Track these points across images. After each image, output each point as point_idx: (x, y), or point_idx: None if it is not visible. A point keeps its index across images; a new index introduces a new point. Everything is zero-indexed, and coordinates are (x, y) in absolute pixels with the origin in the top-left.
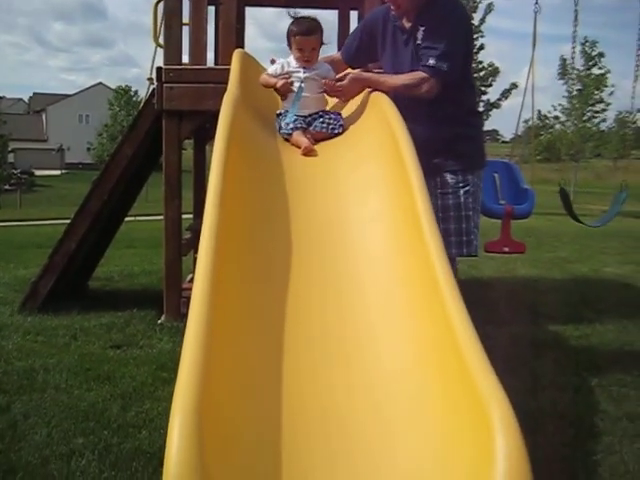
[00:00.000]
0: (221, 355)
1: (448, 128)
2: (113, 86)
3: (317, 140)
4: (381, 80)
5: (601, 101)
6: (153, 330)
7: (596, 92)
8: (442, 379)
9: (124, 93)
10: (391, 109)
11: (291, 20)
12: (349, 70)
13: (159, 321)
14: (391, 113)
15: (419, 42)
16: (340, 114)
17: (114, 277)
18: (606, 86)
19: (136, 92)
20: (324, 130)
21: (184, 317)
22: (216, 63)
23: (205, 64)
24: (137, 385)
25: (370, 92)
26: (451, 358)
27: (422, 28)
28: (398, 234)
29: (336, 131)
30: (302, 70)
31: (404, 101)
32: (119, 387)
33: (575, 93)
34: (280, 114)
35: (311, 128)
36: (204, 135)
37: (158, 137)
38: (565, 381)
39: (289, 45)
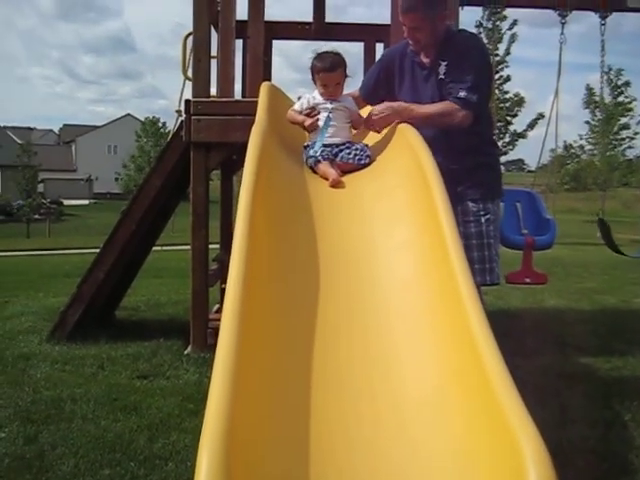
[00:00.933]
0: (249, 388)
1: (470, 158)
2: (141, 117)
3: (344, 171)
4: (413, 108)
5: (626, 127)
6: (180, 361)
7: (620, 118)
8: (469, 408)
9: (152, 125)
10: (416, 138)
11: (314, 55)
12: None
13: (185, 352)
14: (417, 142)
15: (442, 77)
16: (367, 145)
17: (141, 307)
18: (631, 110)
19: (164, 124)
20: (351, 161)
21: (210, 348)
22: (244, 95)
23: (233, 96)
24: (164, 416)
25: (396, 122)
26: (479, 388)
27: (444, 63)
28: (425, 261)
29: (363, 162)
30: (328, 102)
31: (427, 132)
32: (146, 418)
33: (597, 123)
34: (307, 146)
35: (337, 159)
36: (231, 166)
37: (186, 168)
38: (597, 415)
39: (313, 80)
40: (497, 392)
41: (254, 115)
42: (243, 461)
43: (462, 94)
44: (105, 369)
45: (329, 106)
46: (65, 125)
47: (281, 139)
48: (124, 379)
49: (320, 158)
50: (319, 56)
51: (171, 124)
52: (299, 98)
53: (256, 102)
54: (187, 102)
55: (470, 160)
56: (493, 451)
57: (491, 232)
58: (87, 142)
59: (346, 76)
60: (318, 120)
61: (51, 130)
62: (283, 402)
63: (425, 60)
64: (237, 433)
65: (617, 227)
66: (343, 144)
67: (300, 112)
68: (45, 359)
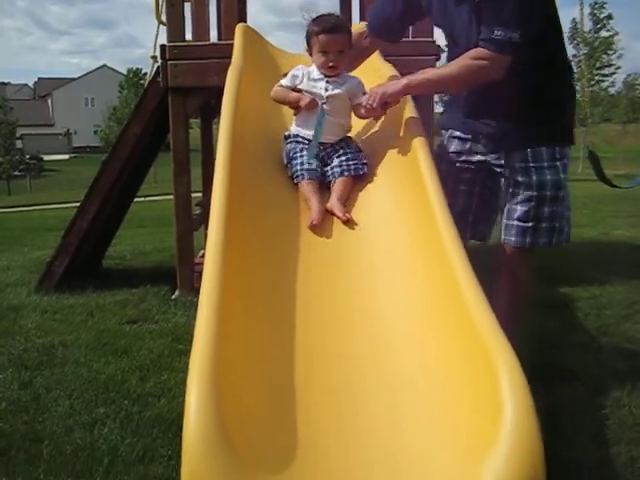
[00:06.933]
0: (234, 323)
1: (547, 90)
2: (118, 68)
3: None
4: (426, 80)
5: (609, 65)
6: (167, 305)
7: (604, 56)
8: (449, 340)
9: (134, 75)
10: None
11: (311, 20)
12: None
13: (173, 296)
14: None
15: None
16: (361, 150)
17: (126, 256)
18: (614, 50)
19: (145, 74)
20: (346, 173)
21: (198, 291)
22: (219, 40)
23: (209, 40)
24: (154, 357)
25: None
26: (458, 318)
27: None
28: (403, 199)
29: (361, 172)
30: (325, 84)
31: None
32: (137, 360)
33: (582, 57)
34: (289, 137)
35: (329, 170)
36: (210, 112)
37: (165, 115)
38: (574, 340)
39: (310, 50)
40: (476, 322)
41: (230, 58)
42: (231, 392)
43: (498, 32)
44: (94, 316)
45: (324, 93)
46: (40, 79)
47: (259, 79)
48: (113, 325)
49: (305, 172)
50: (317, 19)
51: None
52: (285, 75)
53: (232, 45)
54: (162, 47)
55: (551, 92)
56: (471, 377)
57: (566, 181)
58: (63, 95)
59: (351, 47)
60: (315, 102)
61: (26, 84)
62: (268, 339)
63: None
64: (223, 365)
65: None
66: (337, 144)
67: (292, 89)
68: (35, 309)
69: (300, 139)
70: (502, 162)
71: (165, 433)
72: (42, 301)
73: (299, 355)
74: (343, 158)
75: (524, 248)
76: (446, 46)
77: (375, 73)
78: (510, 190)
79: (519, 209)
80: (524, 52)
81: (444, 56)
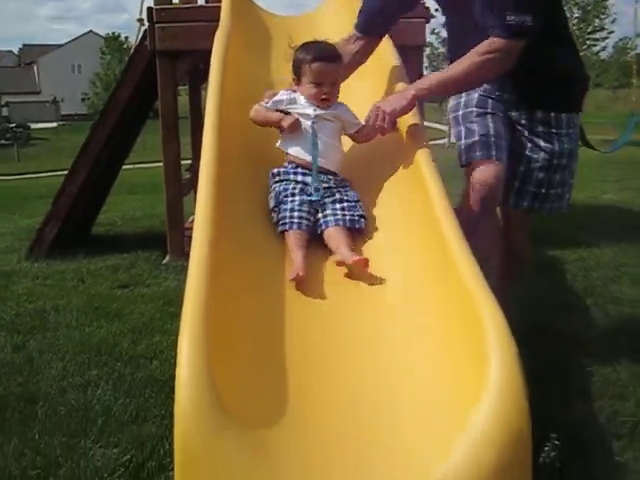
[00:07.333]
0: (223, 287)
1: (561, 59)
2: (104, 34)
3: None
4: (435, 84)
5: (601, 29)
6: (158, 270)
7: (597, 20)
8: (442, 303)
9: (114, 39)
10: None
11: (297, 48)
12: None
13: (164, 261)
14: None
15: None
16: (359, 200)
17: (117, 222)
18: (607, 14)
19: (126, 38)
20: (341, 223)
21: (188, 256)
22: (207, 2)
23: (196, 2)
24: (146, 320)
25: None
26: (449, 275)
27: None
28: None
29: (357, 226)
30: (312, 107)
31: None
32: (128, 323)
33: (575, 20)
34: (278, 174)
35: (320, 218)
36: (198, 77)
37: (152, 81)
38: (562, 301)
39: (297, 80)
40: (466, 282)
41: (218, 20)
42: (222, 355)
43: (511, 18)
44: (85, 281)
45: (311, 112)
46: (25, 45)
47: (247, 44)
48: (105, 289)
49: (294, 224)
50: (309, 45)
51: (134, 38)
52: (266, 102)
53: (220, 7)
54: (149, 10)
55: (564, 60)
56: (462, 334)
57: (577, 149)
58: (49, 62)
59: (341, 75)
60: (299, 123)
61: (10, 51)
62: (256, 298)
63: None
64: (214, 327)
65: (590, 128)
66: (330, 188)
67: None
68: (26, 275)
69: (292, 176)
70: (524, 122)
71: (158, 394)
72: (33, 267)
73: (290, 312)
74: (338, 206)
75: (531, 212)
76: (448, 36)
77: None
78: (527, 153)
79: (535, 175)
80: (537, 33)
81: (434, 21)
